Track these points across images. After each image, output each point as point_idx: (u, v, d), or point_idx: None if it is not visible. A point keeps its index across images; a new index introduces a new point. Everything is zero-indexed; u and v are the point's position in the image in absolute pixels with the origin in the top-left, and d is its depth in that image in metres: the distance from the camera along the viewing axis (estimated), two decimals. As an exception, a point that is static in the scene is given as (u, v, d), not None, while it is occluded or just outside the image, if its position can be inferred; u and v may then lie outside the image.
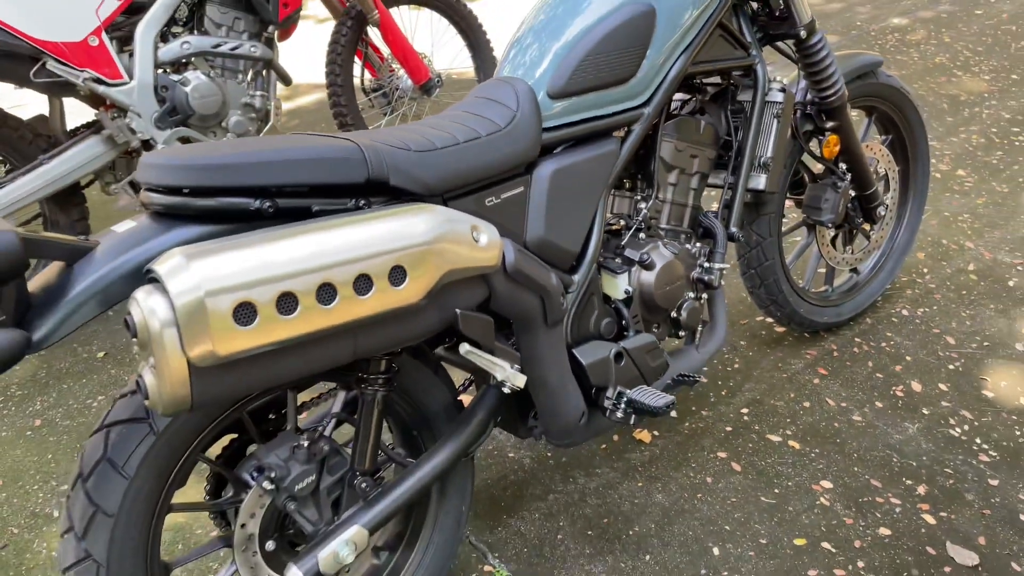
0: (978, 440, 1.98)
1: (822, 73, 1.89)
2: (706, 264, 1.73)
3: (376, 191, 1.23)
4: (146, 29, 2.37)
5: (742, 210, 1.79)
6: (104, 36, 2.30)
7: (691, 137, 1.71)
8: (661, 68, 1.56)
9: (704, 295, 1.75)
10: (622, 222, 1.67)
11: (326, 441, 1.31)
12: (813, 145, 2.03)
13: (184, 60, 2.47)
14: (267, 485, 1.25)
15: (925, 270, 2.63)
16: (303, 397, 1.61)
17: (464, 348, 1.25)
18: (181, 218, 1.14)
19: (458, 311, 1.21)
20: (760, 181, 1.80)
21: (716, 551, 1.73)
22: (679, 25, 1.56)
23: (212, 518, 1.43)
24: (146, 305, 0.96)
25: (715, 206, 1.82)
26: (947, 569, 1.67)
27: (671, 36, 1.56)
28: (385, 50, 3.11)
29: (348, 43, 2.87)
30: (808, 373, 2.22)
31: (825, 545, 1.73)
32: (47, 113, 2.49)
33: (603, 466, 1.95)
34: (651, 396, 1.48)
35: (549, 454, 1.99)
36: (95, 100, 2.44)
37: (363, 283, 1.07)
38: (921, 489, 1.85)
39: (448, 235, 1.16)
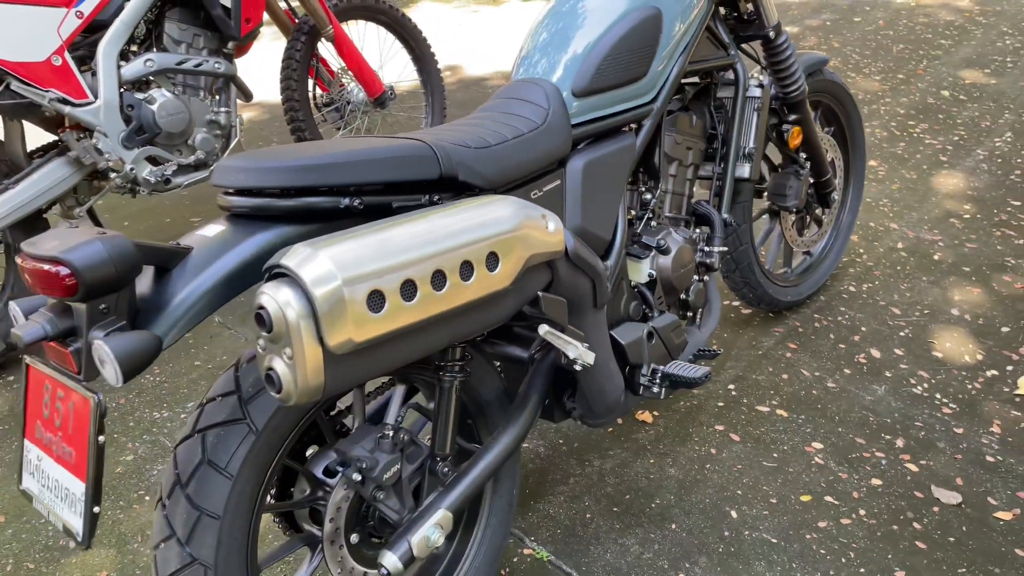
0: (938, 395, 2.20)
1: (787, 70, 2.07)
2: (706, 248, 1.87)
3: (446, 187, 1.30)
4: (108, 47, 2.31)
5: (732, 197, 1.95)
6: (67, 55, 2.23)
7: (686, 131, 1.85)
8: (666, 67, 1.69)
9: (706, 277, 1.89)
10: (632, 212, 1.78)
11: (404, 432, 1.35)
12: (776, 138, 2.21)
13: (145, 79, 2.42)
14: (356, 476, 1.28)
15: (861, 251, 2.88)
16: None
17: (543, 329, 1.32)
18: (264, 220, 1.17)
19: (540, 293, 1.29)
20: (745, 170, 1.96)
21: (734, 514, 1.85)
22: (680, 28, 1.70)
23: (276, 521, 1.44)
24: (280, 298, 0.98)
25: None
26: (935, 509, 1.86)
27: (674, 37, 1.69)
28: (334, 65, 3.13)
29: (303, 58, 2.88)
30: (780, 349, 2.40)
31: (828, 499, 1.89)
32: (2, 137, 2.38)
33: (614, 447, 2.05)
34: (687, 369, 1.60)
35: (561, 441, 2.08)
36: (54, 122, 2.36)
37: (466, 269, 1.13)
38: (899, 442, 2.05)
39: (527, 222, 1.23)
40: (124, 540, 1.81)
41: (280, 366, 1.02)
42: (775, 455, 2.02)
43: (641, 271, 1.69)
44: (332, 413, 1.46)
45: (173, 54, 2.45)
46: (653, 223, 1.77)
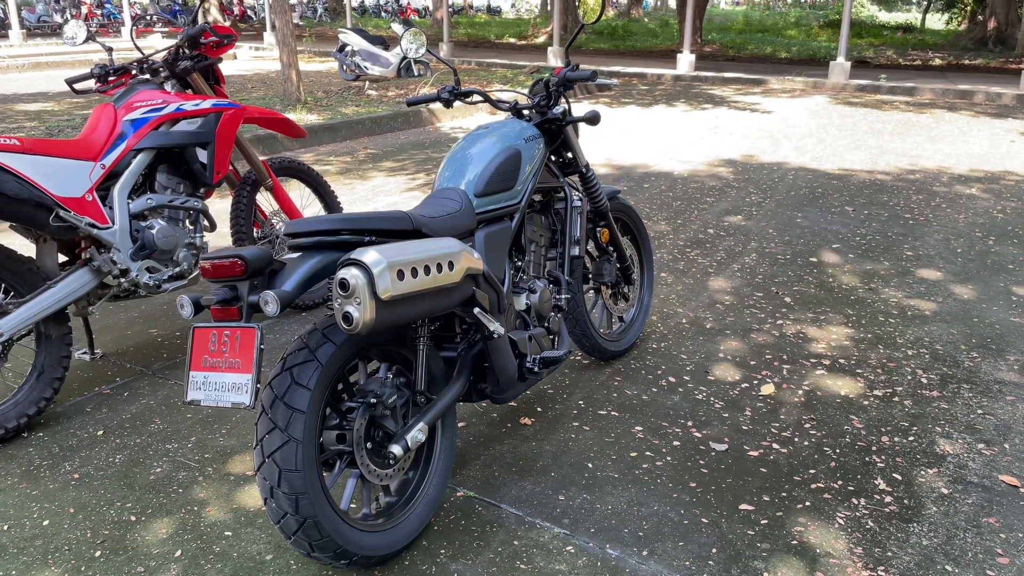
0: (712, 399, 3.33)
1: (595, 191, 3.29)
2: (557, 296, 2.96)
3: (416, 236, 2.32)
4: (121, 189, 3.20)
5: (570, 268, 3.07)
6: (95, 194, 3.10)
7: (539, 225, 2.98)
8: (525, 183, 2.83)
9: (559, 315, 2.96)
10: (512, 272, 2.85)
11: (396, 380, 2.27)
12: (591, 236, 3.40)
13: (143, 212, 3.30)
14: (372, 400, 2.18)
15: (659, 325, 4.09)
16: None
17: (477, 310, 2.32)
18: (315, 249, 2.13)
19: (474, 289, 2.30)
20: (576, 250, 3.10)
21: (590, 465, 2.83)
22: (531, 162, 2.86)
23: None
24: (355, 273, 1.95)
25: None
26: (713, 453, 2.92)
27: (529, 166, 2.85)
28: (266, 208, 4.11)
29: (248, 203, 3.84)
30: (611, 380, 3.48)
31: (647, 453, 2.91)
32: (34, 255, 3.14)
33: (508, 439, 3.00)
34: (554, 353, 2.63)
35: (472, 438, 3.00)
36: (70, 245, 3.18)
37: (438, 266, 2.14)
38: (689, 423, 3.13)
39: (465, 250, 2.27)
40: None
41: (353, 309, 1.96)
42: (613, 435, 3.04)
43: (521, 301, 2.74)
44: (350, 379, 2.35)
45: (163, 195, 3.36)
46: (525, 278, 2.84)
